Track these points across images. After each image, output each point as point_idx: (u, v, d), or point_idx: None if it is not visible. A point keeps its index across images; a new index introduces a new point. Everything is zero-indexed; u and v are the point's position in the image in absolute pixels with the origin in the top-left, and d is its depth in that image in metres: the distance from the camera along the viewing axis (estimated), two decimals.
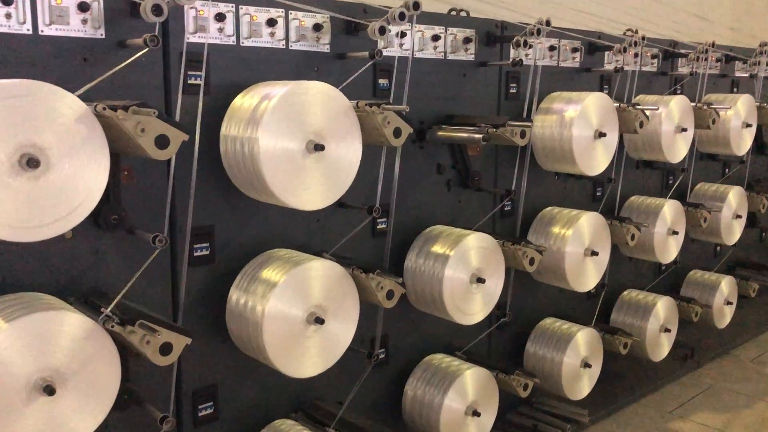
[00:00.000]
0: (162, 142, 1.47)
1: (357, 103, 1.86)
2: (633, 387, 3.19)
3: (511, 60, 2.50)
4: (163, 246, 1.64)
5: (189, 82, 1.79)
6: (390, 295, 1.99)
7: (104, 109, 1.40)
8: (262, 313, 1.79)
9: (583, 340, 2.77)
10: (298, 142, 1.76)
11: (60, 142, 1.38)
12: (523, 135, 2.27)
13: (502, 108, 2.64)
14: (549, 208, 2.78)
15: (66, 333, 1.44)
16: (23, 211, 1.36)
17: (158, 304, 1.82)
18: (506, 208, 2.70)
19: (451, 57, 2.43)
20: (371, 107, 1.85)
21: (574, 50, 2.87)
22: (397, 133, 1.92)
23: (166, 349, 1.54)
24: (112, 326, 1.48)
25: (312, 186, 1.80)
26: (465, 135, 2.25)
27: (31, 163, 1.34)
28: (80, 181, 1.41)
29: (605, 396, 3.03)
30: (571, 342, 2.72)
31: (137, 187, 1.75)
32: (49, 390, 1.40)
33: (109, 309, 1.49)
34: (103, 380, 1.51)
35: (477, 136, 2.21)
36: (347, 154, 1.86)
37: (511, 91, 2.65)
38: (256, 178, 1.75)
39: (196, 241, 1.87)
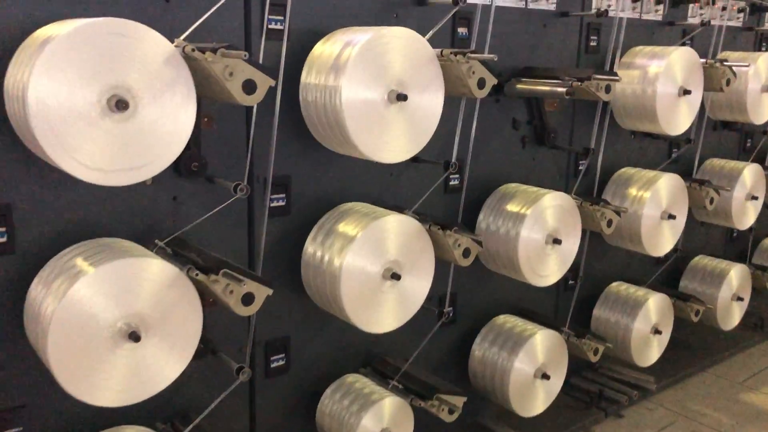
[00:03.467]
0: (249, 87, 1.42)
1: (441, 51, 1.78)
2: (701, 355, 3.10)
3: (595, 10, 2.36)
4: (244, 195, 1.61)
5: (270, 27, 1.73)
6: (467, 253, 1.93)
7: (193, 50, 1.35)
8: (339, 267, 1.75)
9: (655, 306, 2.68)
10: (381, 91, 1.70)
11: (148, 85, 1.34)
12: (608, 90, 2.16)
13: (582, 61, 2.52)
14: (625, 169, 2.67)
15: (149, 280, 1.43)
16: (112, 154, 1.33)
17: (235, 253, 1.80)
18: (581, 167, 2.60)
19: (532, 6, 2.32)
20: (456, 56, 1.77)
21: (658, 2, 2.71)
22: (481, 84, 1.83)
23: (248, 299, 1.51)
24: (196, 274, 1.46)
25: (393, 137, 1.74)
26: (547, 88, 2.15)
27: (120, 105, 1.30)
28: (167, 126, 1.38)
29: (672, 363, 2.94)
30: (643, 308, 2.63)
31: (217, 134, 1.71)
32: (135, 336, 1.40)
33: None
34: (185, 328, 1.50)
35: (560, 89, 2.11)
36: (429, 104, 1.78)
37: (591, 44, 2.53)
38: (337, 128, 1.69)
39: (273, 192, 1.83)
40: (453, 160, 2.02)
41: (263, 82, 1.43)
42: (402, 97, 1.69)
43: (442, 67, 1.79)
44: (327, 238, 1.83)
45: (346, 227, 1.82)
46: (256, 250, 1.81)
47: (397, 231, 1.83)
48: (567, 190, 2.51)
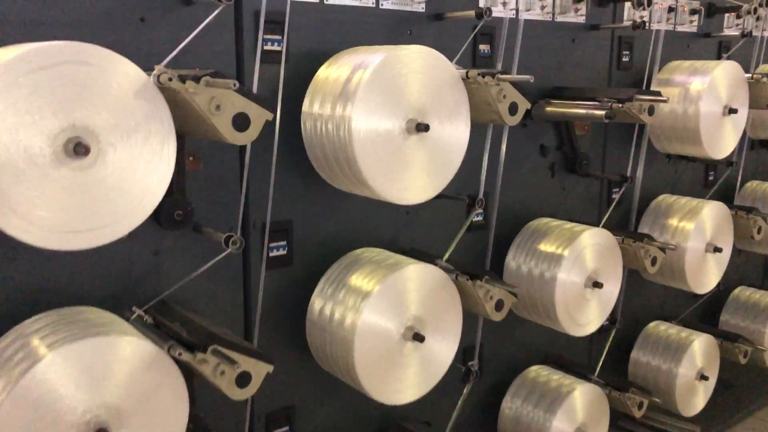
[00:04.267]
0: (241, 122, 1.16)
1: (467, 72, 1.52)
2: (748, 398, 2.81)
3: (630, 22, 2.11)
4: (237, 249, 1.34)
5: (266, 48, 1.47)
6: (500, 306, 1.66)
7: (170, 79, 1.08)
8: (352, 327, 1.48)
9: (700, 348, 2.40)
10: (398, 121, 1.44)
11: (115, 124, 1.07)
12: (651, 112, 1.90)
13: (613, 79, 2.27)
14: (663, 197, 2.41)
15: (123, 362, 1.16)
16: (70, 211, 1.06)
17: (228, 315, 1.53)
18: (614, 196, 2.34)
19: (559, 19, 2.06)
20: (484, 77, 1.51)
21: (693, 12, 2.46)
22: (513, 109, 1.57)
23: (243, 379, 1.24)
24: (179, 354, 1.18)
25: (413, 174, 1.48)
26: (582, 111, 1.89)
27: (80, 149, 1.04)
28: (139, 174, 1.11)
29: (717, 408, 2.66)
30: (687, 351, 2.36)
31: (205, 175, 1.45)
32: None
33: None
34: (167, 414, 1.22)
35: (598, 112, 1.85)
36: (454, 134, 1.52)
37: (624, 59, 2.27)
38: (346, 165, 1.43)
39: (272, 239, 1.56)
40: (479, 196, 1.75)
41: (258, 116, 1.17)
42: (423, 128, 1.43)
43: (467, 91, 1.53)
44: (337, 292, 1.56)
45: (359, 280, 1.55)
46: (253, 309, 1.54)
47: (419, 283, 1.56)
48: (599, 222, 2.24)
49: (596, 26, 2.15)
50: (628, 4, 2.21)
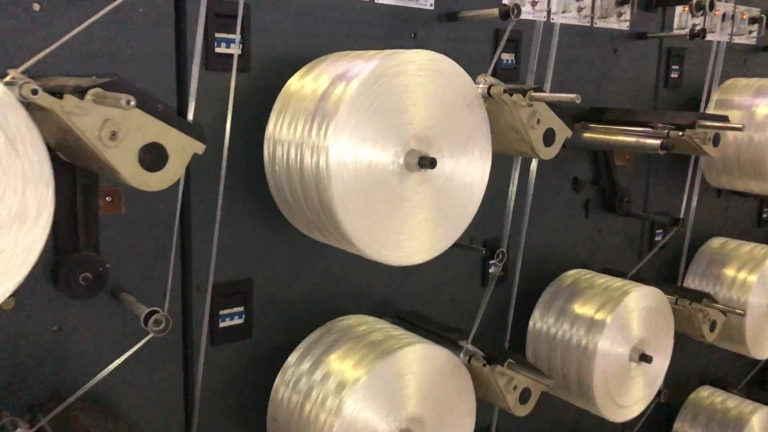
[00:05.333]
0: (154, 156, 0.77)
1: (489, 88, 1.13)
2: None
3: (686, 30, 1.72)
4: (161, 331, 0.95)
5: (217, 50, 1.09)
6: (525, 396, 1.26)
7: (34, 92, 0.69)
8: (329, 429, 1.09)
9: (759, 424, 1.99)
10: (394, 152, 1.05)
11: None
12: (716, 141, 1.51)
13: (660, 99, 1.87)
14: (715, 240, 2.01)
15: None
16: None
17: (164, 407, 1.14)
18: (657, 239, 1.94)
19: (599, 24, 1.68)
20: (512, 95, 1.12)
21: (753, 21, 2.07)
22: (549, 138, 1.18)
23: None
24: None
25: (412, 226, 1.09)
26: (632, 140, 1.49)
27: None
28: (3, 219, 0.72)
29: None
30: (745, 429, 1.95)
31: (129, 221, 1.06)
32: None
33: None
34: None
35: (652, 141, 1.45)
36: (469, 172, 1.13)
37: (672, 75, 1.88)
38: (321, 209, 1.04)
39: (225, 305, 1.17)
40: (502, 247, 1.36)
41: (181, 147, 0.78)
42: (428, 163, 1.04)
43: (488, 113, 1.14)
44: (309, 377, 1.17)
45: (339, 362, 1.16)
46: (193, 399, 1.15)
47: (419, 370, 1.16)
48: (639, 271, 1.84)
49: (642, 34, 1.76)
50: (679, 10, 1.83)
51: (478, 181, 1.13)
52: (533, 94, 1.11)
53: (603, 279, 1.58)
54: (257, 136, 1.13)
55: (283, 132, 1.08)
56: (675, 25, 1.85)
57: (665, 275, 2.00)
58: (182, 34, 1.07)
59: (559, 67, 1.57)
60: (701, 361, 2.21)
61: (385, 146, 1.04)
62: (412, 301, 1.43)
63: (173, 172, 0.79)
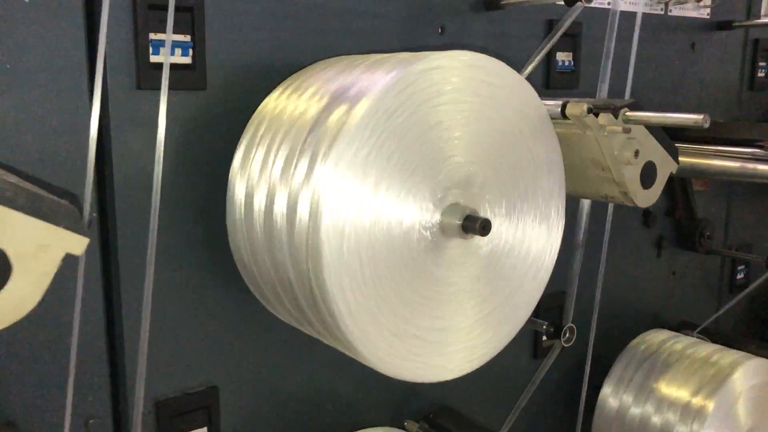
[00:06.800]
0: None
1: (563, 106, 0.75)
2: None
3: None
4: None
5: (152, 59, 0.73)
6: None
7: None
8: None
9: None
10: (423, 208, 0.68)
11: None
12: None
13: (744, 103, 1.50)
14: None
15: None
16: None
17: None
18: (739, 279, 1.57)
19: (675, 13, 1.30)
20: (597, 115, 0.74)
21: None
22: (648, 177, 0.80)
23: None
24: None
25: (453, 322, 0.71)
26: (736, 165, 1.11)
27: None
28: None
29: None
30: None
31: (36, 319, 0.69)
32: None
33: None
34: None
35: (762, 167, 1.07)
36: (535, 232, 0.76)
37: (759, 74, 1.51)
38: (310, 293, 0.67)
39: (181, 426, 0.81)
40: (568, 322, 0.98)
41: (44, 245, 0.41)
42: (478, 226, 0.67)
43: (560, 141, 0.77)
44: None
45: None
46: None
47: None
48: (719, 318, 1.47)
49: (727, 23, 1.38)
50: None
51: (546, 246, 0.76)
52: (629, 114, 0.73)
53: (689, 343, 1.21)
54: (216, 183, 0.76)
55: (253, 169, 0.72)
56: (762, 12, 1.47)
57: (747, 322, 1.62)
58: (93, 25, 0.70)
59: (623, 68, 1.19)
60: None
61: (408, 197, 0.67)
62: (441, 390, 1.05)
63: (49, 262, 0.42)
